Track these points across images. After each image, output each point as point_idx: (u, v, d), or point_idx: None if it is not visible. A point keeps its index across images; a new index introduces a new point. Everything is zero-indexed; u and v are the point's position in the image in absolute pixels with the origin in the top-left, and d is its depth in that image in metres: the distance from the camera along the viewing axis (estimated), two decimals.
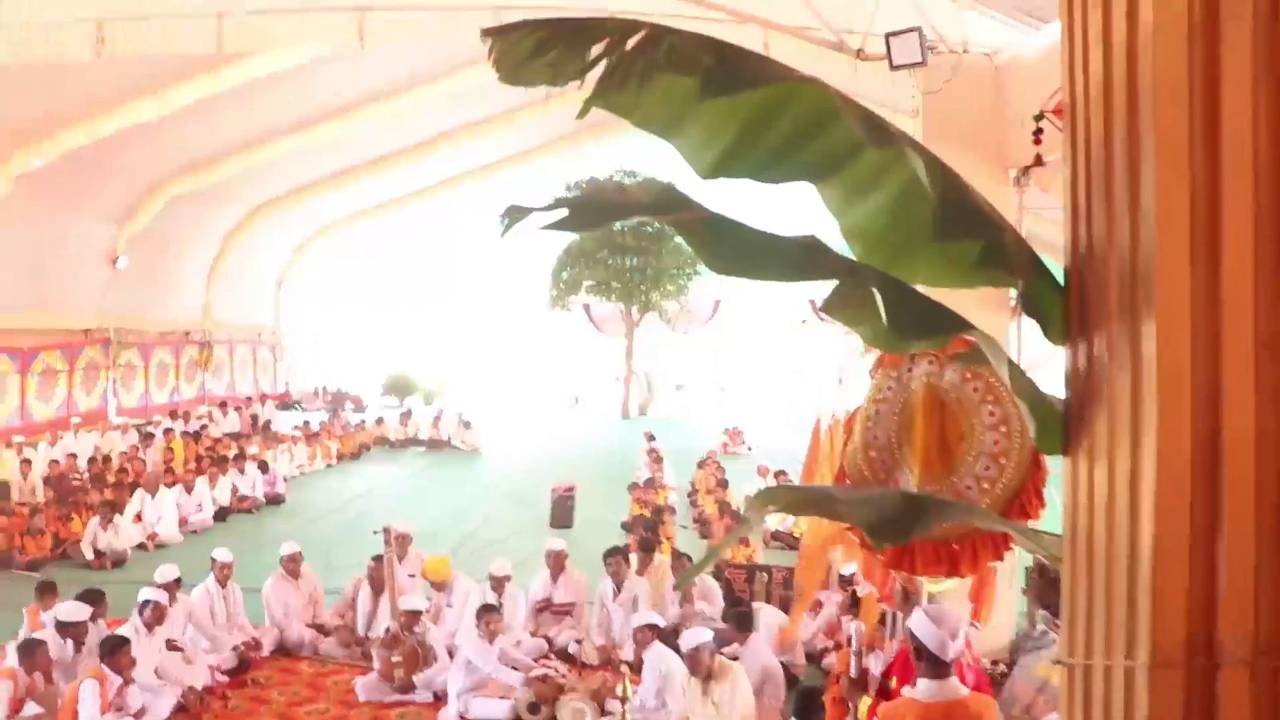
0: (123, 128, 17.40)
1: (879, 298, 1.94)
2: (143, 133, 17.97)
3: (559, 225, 1.98)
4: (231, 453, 19.71)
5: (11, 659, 7.94)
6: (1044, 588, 8.74)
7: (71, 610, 8.46)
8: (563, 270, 34.52)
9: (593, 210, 2.08)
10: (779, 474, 16.81)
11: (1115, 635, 1.77)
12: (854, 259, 2.22)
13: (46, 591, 9.32)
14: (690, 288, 34.88)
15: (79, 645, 8.38)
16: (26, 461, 17.49)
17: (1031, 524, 3.68)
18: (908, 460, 4.13)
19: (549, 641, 9.90)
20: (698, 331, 38.17)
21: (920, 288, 2.16)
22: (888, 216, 2.19)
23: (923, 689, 4.63)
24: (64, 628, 8.35)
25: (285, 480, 19.27)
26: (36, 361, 21.48)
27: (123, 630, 8.39)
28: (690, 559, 10.79)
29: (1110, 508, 1.81)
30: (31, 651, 7.84)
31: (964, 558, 3.81)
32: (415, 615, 9.04)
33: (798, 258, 2.05)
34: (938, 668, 4.63)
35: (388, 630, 9.07)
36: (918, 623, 4.70)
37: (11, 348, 20.54)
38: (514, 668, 8.73)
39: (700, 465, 19.25)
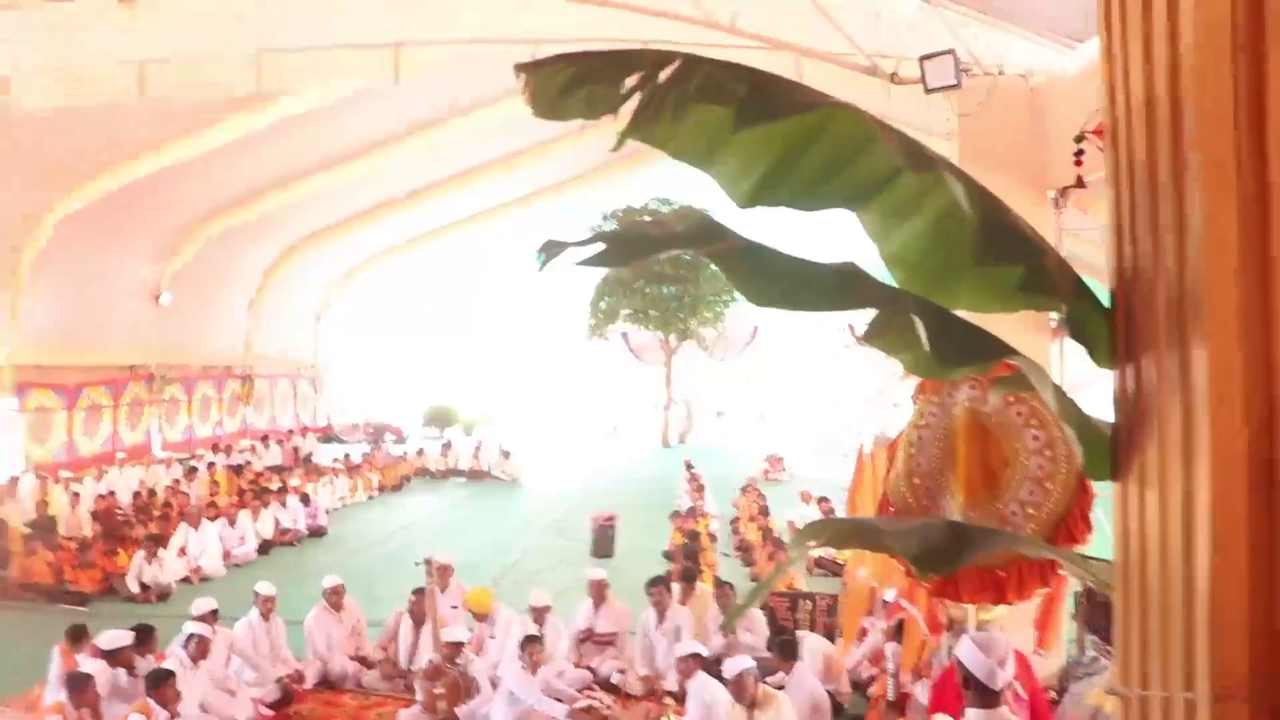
0: (163, 167, 17.69)
1: (920, 324, 1.92)
2: (182, 172, 18.25)
3: (595, 260, 1.97)
4: (274, 486, 19.84)
5: (53, 694, 8.00)
6: (1093, 613, 8.59)
7: (114, 638, 8.52)
8: (600, 299, 34.62)
9: (629, 244, 2.07)
10: (821, 500, 16.69)
11: (1172, 666, 1.73)
12: (894, 285, 2.20)
13: (78, 633, 9.35)
14: (728, 315, 34.87)
15: (130, 675, 8.42)
16: (75, 495, 17.70)
17: (1079, 550, 3.62)
18: (951, 487, 4.08)
19: (592, 672, 9.85)
20: (736, 358, 38.13)
21: (961, 312, 2.13)
22: (927, 241, 2.16)
23: (972, 719, 4.55)
24: (112, 656, 8.41)
25: (327, 512, 19.37)
26: (82, 398, 21.78)
27: (168, 663, 8.44)
28: (733, 587, 10.71)
29: (1164, 534, 1.77)
30: (80, 685, 7.89)
31: (1010, 585, 3.76)
32: (457, 647, 9.02)
33: (836, 286, 2.03)
34: (987, 697, 4.55)
35: (430, 662, 9.05)
36: (965, 650, 4.62)
37: (58, 385, 20.84)
38: (557, 699, 8.69)
39: (741, 492, 19.17)
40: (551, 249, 1.95)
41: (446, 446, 27.88)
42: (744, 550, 15.49)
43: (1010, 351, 2.03)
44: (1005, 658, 4.60)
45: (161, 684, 7.82)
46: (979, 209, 2.02)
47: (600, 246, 1.96)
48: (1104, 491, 2.27)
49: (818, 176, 2.11)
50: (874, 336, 2.07)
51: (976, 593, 3.83)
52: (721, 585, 10.98)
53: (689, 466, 21.43)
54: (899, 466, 4.25)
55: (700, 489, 18.95)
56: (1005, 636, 4.75)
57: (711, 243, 2.02)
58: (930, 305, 2.02)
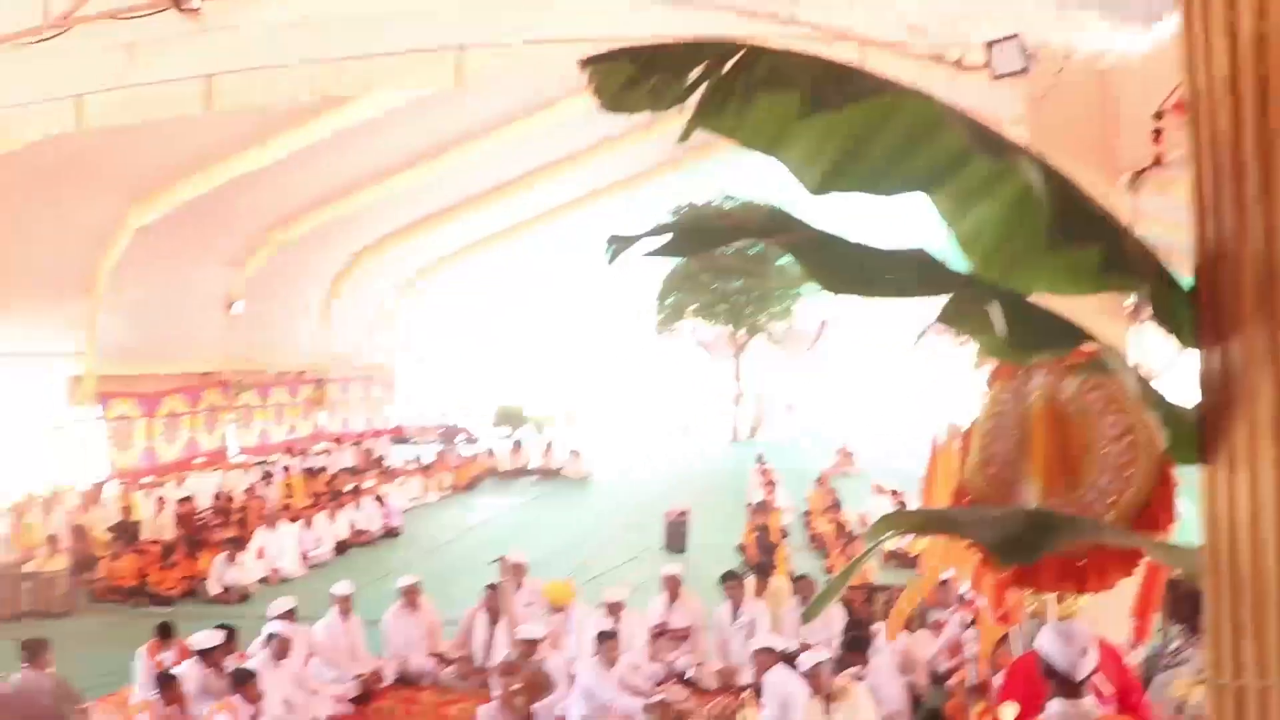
0: (233, 177, 18.00)
1: (996, 309, 1.89)
2: (252, 181, 18.55)
3: (664, 250, 1.97)
4: (348, 488, 20.12)
5: (143, 693, 8.19)
6: (1176, 602, 8.40)
7: (206, 637, 8.76)
8: (668, 295, 34.57)
9: (696, 234, 2.07)
10: (894, 493, 16.55)
11: (1269, 654, 1.68)
12: (969, 270, 2.16)
13: (165, 632, 9.58)
14: (796, 309, 34.67)
15: (215, 674, 8.61)
16: (158, 501, 18.11)
17: (1163, 537, 3.54)
18: (1028, 475, 4.01)
19: (667, 667, 9.86)
20: (806, 352, 37.93)
21: (1038, 297, 2.09)
22: (1002, 224, 2.13)
23: (1055, 710, 4.47)
24: (199, 655, 8.61)
25: (401, 513, 19.59)
26: (161, 406, 22.25)
27: (250, 663, 8.61)
28: (810, 580, 10.65)
29: (1255, 517, 1.72)
30: (169, 685, 8.08)
31: (1091, 574, 3.68)
32: (533, 644, 9.08)
33: (911, 272, 2.01)
34: (1069, 688, 4.47)
35: (506, 659, 9.12)
36: (1045, 641, 4.55)
37: (137, 393, 21.31)
38: (633, 694, 8.71)
39: (814, 486, 19.07)
40: (619, 242, 1.95)
41: (517, 446, 28.05)
42: (817, 544, 15.40)
43: (1087, 336, 1.99)
44: (1087, 648, 4.51)
45: (245, 683, 7.99)
46: (1054, 190, 1.98)
47: (668, 237, 1.96)
48: (1186, 477, 2.21)
49: (888, 161, 2.09)
50: (949, 321, 2.04)
51: (1057, 582, 3.75)
52: (798, 579, 10.94)
53: (760, 461, 21.36)
54: (974, 456, 4.19)
55: (772, 483, 18.88)
56: (1087, 627, 4.66)
57: (780, 233, 2.01)
58: (1006, 289, 1.99)
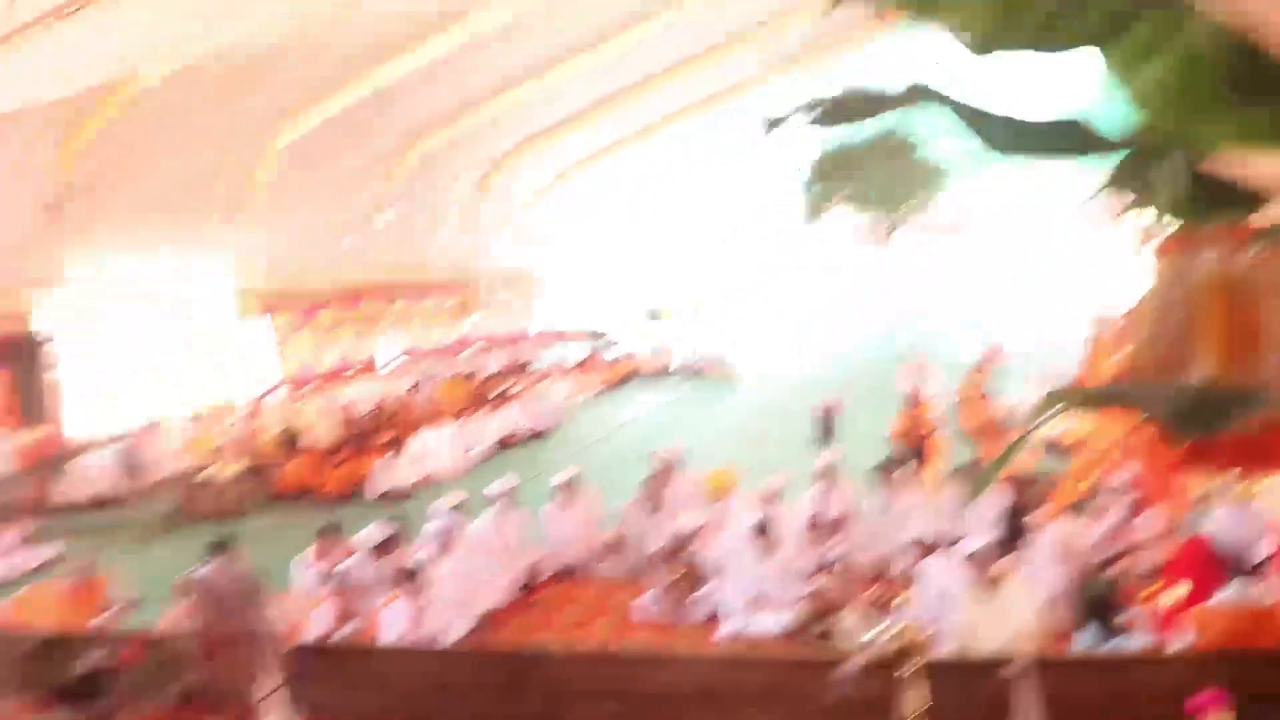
0: (376, 89, 18.25)
1: (1170, 170, 1.79)
2: (394, 93, 18.78)
3: (817, 122, 1.92)
4: (498, 391, 20.59)
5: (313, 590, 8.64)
6: None
7: (372, 534, 9.16)
8: (814, 183, 33.85)
9: (848, 107, 2.01)
10: (1046, 383, 16.11)
11: None
12: (1140, 129, 2.05)
13: (330, 531, 10.02)
14: (943, 197, 33.71)
15: (384, 569, 9.00)
16: (322, 407, 18.90)
17: None
18: (1200, 351, 3.84)
19: (821, 557, 9.88)
20: (954, 239, 36.97)
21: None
22: (1179, 77, 2.00)
23: (1230, 594, 4.35)
24: (371, 551, 9.02)
25: (551, 414, 19.97)
26: (317, 317, 23.08)
27: (415, 558, 8.97)
28: (961, 469, 10.50)
29: None
30: (339, 581, 8.49)
31: (1275, 451, 3.52)
32: (690, 535, 9.19)
33: (1072, 138, 1.92)
34: (1244, 572, 4.33)
35: (663, 549, 9.26)
36: (1219, 524, 4.41)
37: (295, 306, 22.14)
38: (788, 584, 8.76)
39: (965, 376, 18.72)
40: (773, 122, 1.91)
41: (664, 344, 28.20)
42: (969, 434, 15.16)
43: (1262, 202, 1.88)
44: (1264, 531, 4.36)
45: (411, 577, 8.33)
46: (1230, 44, 1.85)
47: (819, 111, 1.92)
48: None
49: (1056, 15, 1.98)
50: (1119, 184, 1.95)
51: (1232, 461, 3.62)
52: (950, 468, 10.80)
53: (910, 351, 21.05)
54: (1140, 333, 4.04)
55: (922, 374, 18.59)
56: (1265, 509, 4.50)
57: (933, 103, 1.94)
58: (1182, 149, 1.88)
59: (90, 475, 17.09)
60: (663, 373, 26.45)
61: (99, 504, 16.41)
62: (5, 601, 10.59)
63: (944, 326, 34.01)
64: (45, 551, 13.20)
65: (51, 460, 17.60)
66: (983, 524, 9.46)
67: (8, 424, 18.00)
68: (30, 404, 18.45)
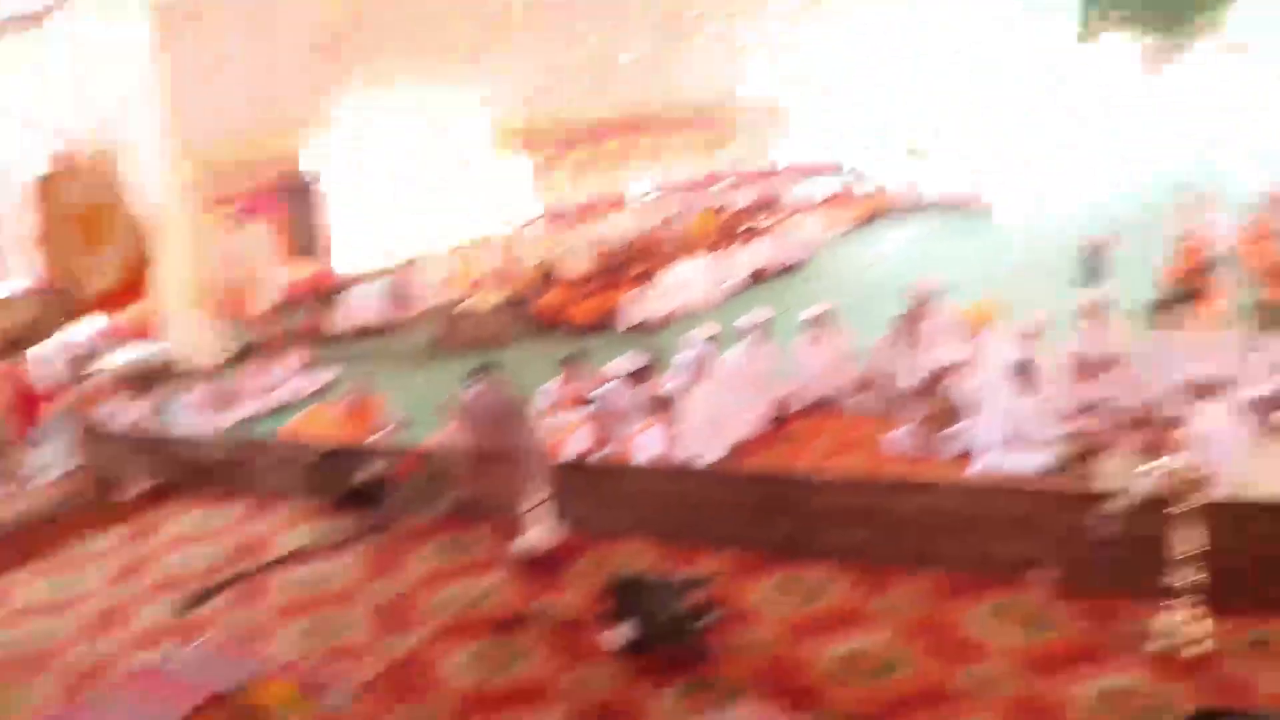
0: None
1: None
2: None
3: None
4: (751, 224, 20.45)
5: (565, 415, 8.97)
6: None
7: (626, 362, 9.40)
8: (1091, 4, 31.56)
9: None
10: None
11: None
12: None
13: (575, 359, 10.31)
14: (1227, 19, 30.73)
15: (638, 397, 9.24)
16: (576, 239, 19.37)
17: None
18: None
19: (1085, 398, 9.44)
20: (1241, 62, 33.63)
21: None
22: None
23: None
24: (625, 380, 9.27)
25: (802, 248, 19.71)
26: (572, 151, 23.43)
27: (668, 387, 9.14)
28: (1244, 308, 9.74)
29: None
30: (600, 404, 8.80)
31: None
32: (946, 370, 8.96)
33: None
34: None
35: (918, 385, 9.08)
36: None
37: (550, 143, 22.52)
38: (1047, 424, 8.45)
39: (1249, 212, 17.20)
40: None
41: (919, 179, 27.20)
42: (1256, 274, 13.99)
43: None
44: None
45: (665, 405, 8.51)
46: None
47: None
48: None
49: None
50: None
51: None
52: (1233, 309, 10.03)
53: (1190, 186, 19.47)
54: None
55: (1203, 209, 17.19)
56: None
57: None
58: None
59: (360, 307, 18.24)
60: (917, 208, 25.54)
61: (368, 333, 17.54)
62: (291, 420, 11.57)
63: (1228, 160, 31.27)
64: (323, 376, 14.23)
65: (324, 293, 18.86)
66: (1266, 369, 8.78)
67: (284, 259, 19.34)
68: (303, 240, 19.72)
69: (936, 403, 8.85)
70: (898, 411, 9.32)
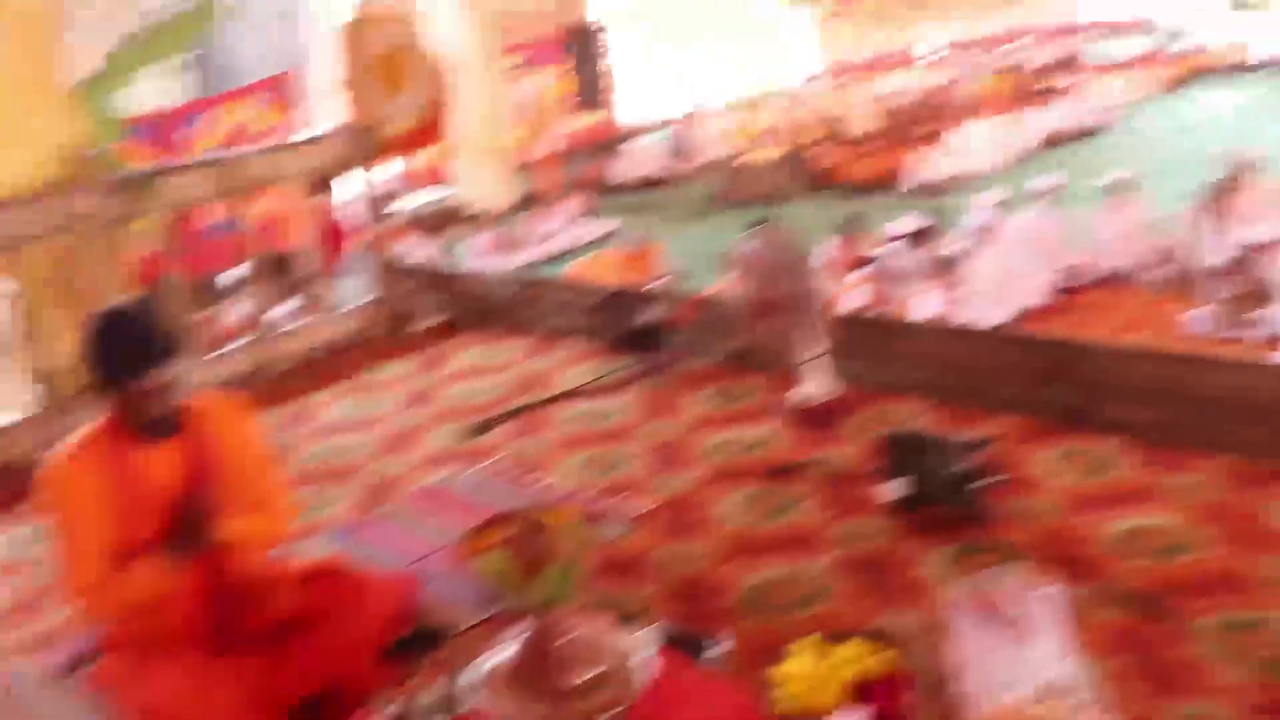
0: None
1: None
2: None
3: None
4: (1048, 85, 19.32)
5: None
6: None
7: (908, 223, 9.18)
8: None
9: None
10: None
11: None
12: None
13: (856, 221, 10.10)
14: None
15: (920, 259, 9.03)
16: (862, 95, 18.86)
17: None
18: None
19: None
20: None
21: None
22: None
23: None
24: (907, 240, 9.07)
25: (1104, 111, 18.45)
26: (857, 7, 22.70)
27: (954, 249, 8.85)
28: None
29: None
30: (885, 264, 8.67)
31: None
32: (1260, 248, 8.26)
33: None
34: None
35: (1225, 262, 8.43)
36: None
37: None
38: None
39: None
40: None
41: (1243, 37, 24.75)
42: None
43: None
44: None
45: (948, 267, 8.26)
46: None
47: None
48: None
49: None
50: None
51: None
52: None
53: None
54: None
55: None
56: None
57: None
58: None
59: (641, 158, 18.46)
60: (1240, 69, 23.27)
61: (648, 184, 17.77)
62: (574, 264, 11.95)
63: None
64: (605, 224, 14.58)
65: (607, 143, 19.17)
66: None
67: (569, 109, 19.72)
68: (587, 90, 20.02)
69: (1245, 282, 8.19)
70: (1200, 290, 8.70)
